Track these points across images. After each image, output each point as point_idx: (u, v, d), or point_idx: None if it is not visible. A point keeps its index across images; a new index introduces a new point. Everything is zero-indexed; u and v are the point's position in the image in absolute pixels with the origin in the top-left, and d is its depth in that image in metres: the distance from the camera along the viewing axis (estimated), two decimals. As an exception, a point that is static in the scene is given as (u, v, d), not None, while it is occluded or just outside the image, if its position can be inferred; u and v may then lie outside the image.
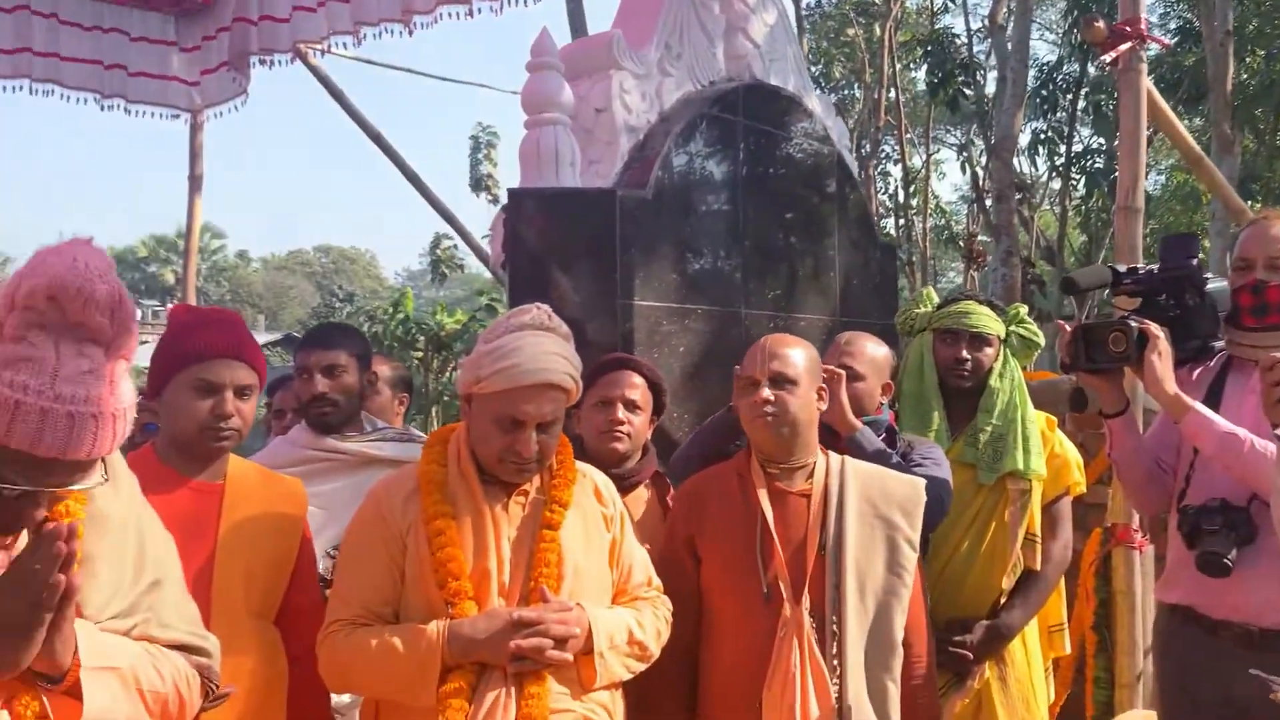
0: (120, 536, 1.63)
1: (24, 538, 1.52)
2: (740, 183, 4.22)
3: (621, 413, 2.77)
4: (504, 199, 3.67)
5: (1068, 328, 2.65)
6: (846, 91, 21.88)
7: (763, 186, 4.31)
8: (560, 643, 2.11)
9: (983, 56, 18.60)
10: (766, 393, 2.49)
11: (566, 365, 2.21)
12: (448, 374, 11.41)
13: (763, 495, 2.52)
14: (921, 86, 19.15)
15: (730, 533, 2.53)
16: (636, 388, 2.82)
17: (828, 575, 2.46)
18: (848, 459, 2.62)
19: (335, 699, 2.50)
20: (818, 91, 5.08)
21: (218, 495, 2.30)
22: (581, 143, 3.79)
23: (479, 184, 25.16)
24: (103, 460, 1.46)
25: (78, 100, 5.82)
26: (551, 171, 3.60)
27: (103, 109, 5.87)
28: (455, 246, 23.85)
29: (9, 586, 1.39)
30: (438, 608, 2.14)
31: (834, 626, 2.42)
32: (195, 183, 6.25)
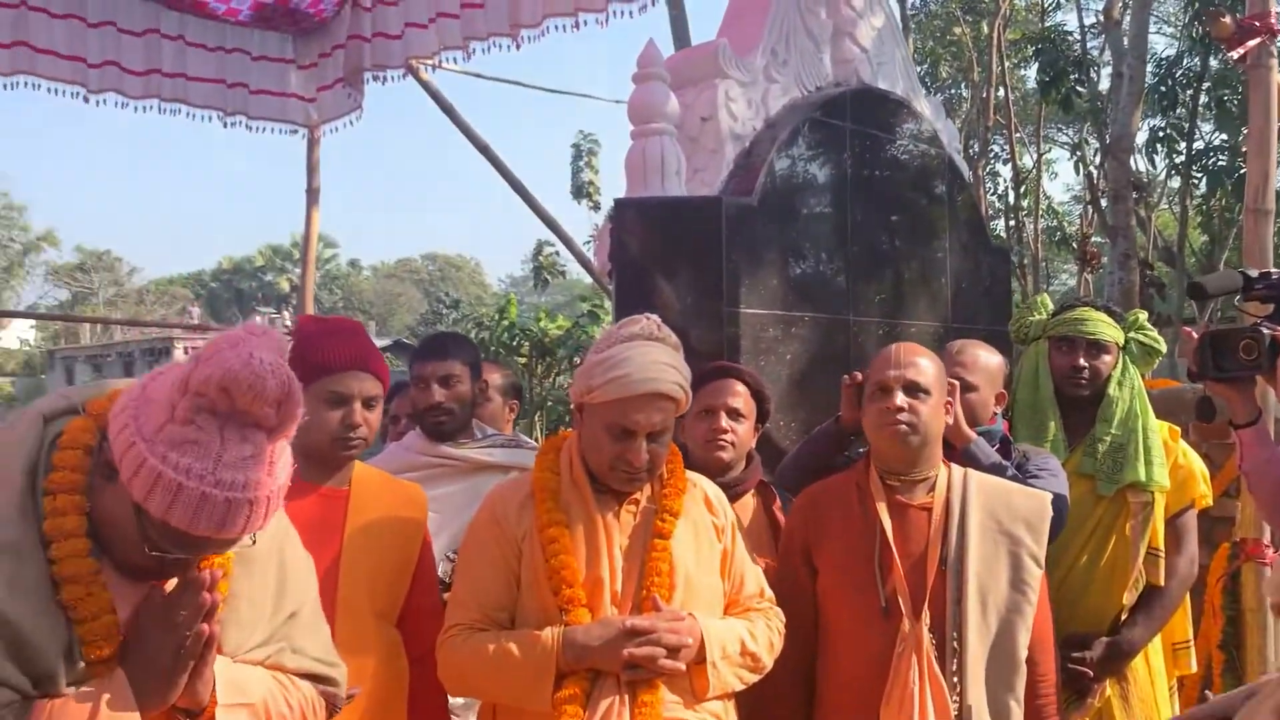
0: (263, 573, 1.70)
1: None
2: (847, 188, 4.18)
3: (725, 421, 2.76)
4: (605, 206, 3.70)
5: (1194, 334, 2.55)
6: (953, 91, 21.44)
7: (871, 191, 4.27)
8: (673, 652, 2.12)
9: (1096, 52, 18.02)
10: (901, 400, 2.45)
11: (676, 375, 2.22)
12: (551, 379, 11.55)
13: (882, 509, 2.47)
14: (1032, 85, 18.64)
15: (848, 545, 2.49)
16: (739, 395, 2.81)
17: (949, 591, 2.40)
18: (970, 472, 2.55)
19: (451, 700, 2.56)
20: (925, 93, 5.00)
21: (343, 500, 2.37)
22: (687, 151, 3.81)
23: (580, 191, 25.41)
24: None
25: (203, 118, 6.07)
26: (657, 180, 3.63)
27: (225, 126, 6.10)
28: (557, 253, 24.13)
29: (156, 632, 1.47)
30: (552, 614, 2.17)
31: (954, 643, 2.37)
32: (313, 195, 6.44)
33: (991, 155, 20.12)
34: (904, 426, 2.43)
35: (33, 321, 45.76)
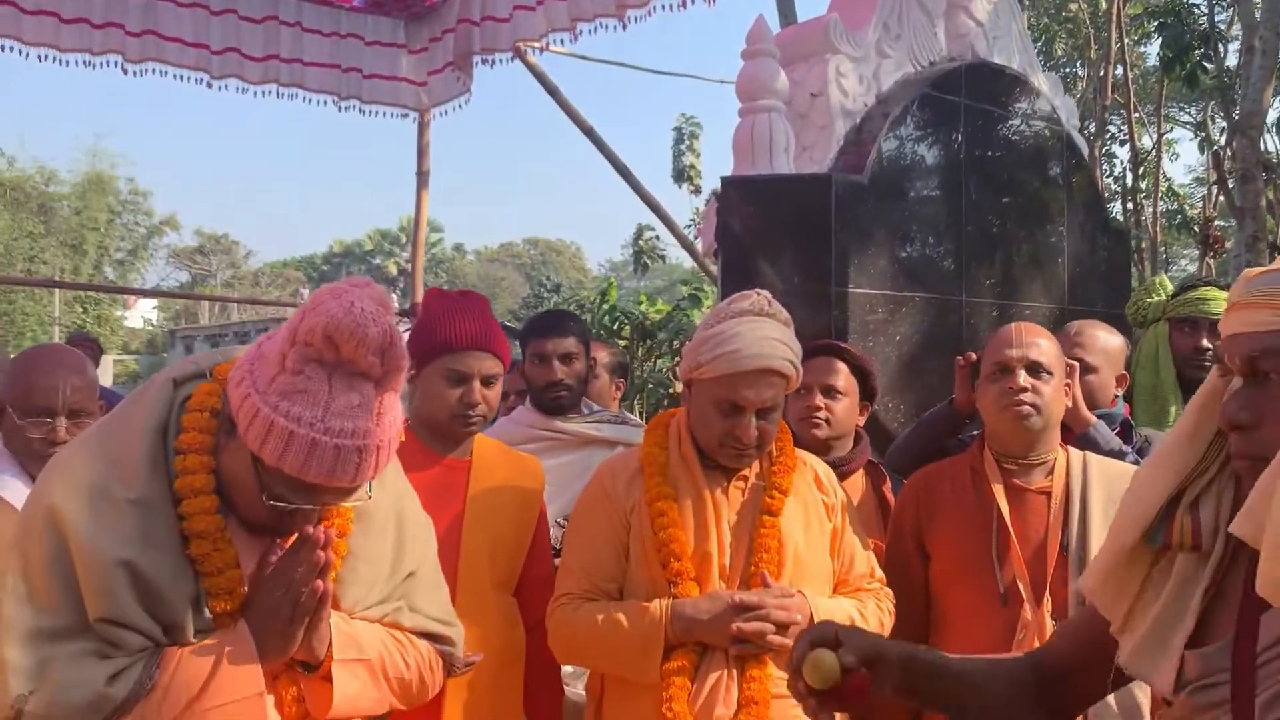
0: (382, 533, 1.74)
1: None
2: (961, 166, 4.08)
3: (819, 399, 2.74)
4: (706, 190, 3.69)
5: None
6: (1068, 70, 20.72)
7: (985, 169, 4.15)
8: (781, 628, 2.12)
9: (1224, 26, 17.19)
10: (1024, 380, 2.39)
11: (786, 351, 2.20)
12: (652, 362, 11.59)
13: (999, 491, 2.42)
14: (1153, 61, 17.90)
15: (963, 530, 2.44)
16: (838, 373, 2.78)
17: (1070, 577, 2.34)
18: (1089, 455, 2.48)
19: (561, 669, 2.59)
20: (1044, 69, 4.84)
21: (465, 471, 2.43)
22: (795, 128, 3.76)
23: (681, 175, 25.32)
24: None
25: (318, 102, 6.24)
26: (765, 158, 3.59)
27: (340, 110, 6.27)
28: (657, 237, 24.10)
29: (274, 588, 1.52)
30: (660, 587, 2.18)
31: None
32: (422, 179, 6.57)
33: (1108, 136, 19.40)
34: (1027, 408, 2.37)
35: (156, 302, 47.78)
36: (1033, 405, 2.37)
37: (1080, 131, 4.89)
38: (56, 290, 35.81)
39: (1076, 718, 1.58)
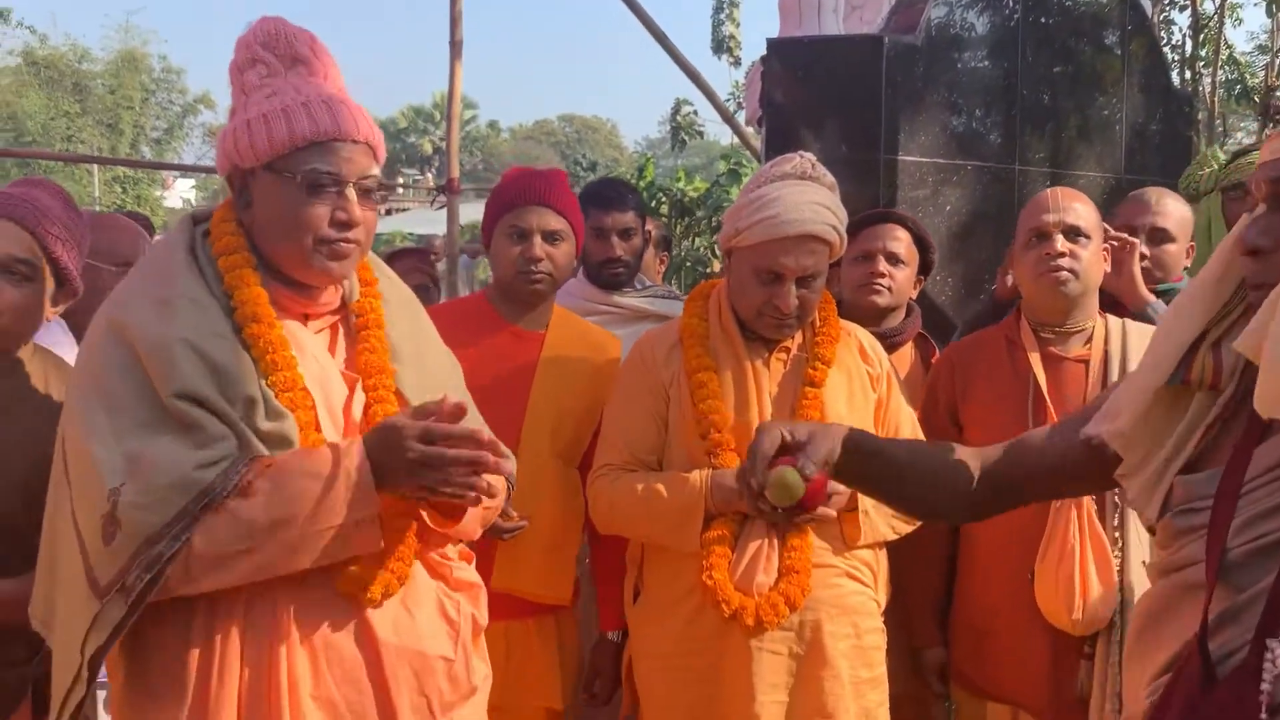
0: (413, 334, 1.76)
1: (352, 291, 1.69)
2: (1017, 28, 3.89)
3: (883, 265, 2.67)
4: (746, 62, 3.55)
5: None
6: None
7: (1042, 32, 3.96)
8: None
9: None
10: (1061, 244, 2.31)
11: (829, 216, 2.13)
12: (691, 240, 11.46)
13: (1035, 359, 2.37)
14: (1219, -81, 16.92)
15: (998, 399, 2.40)
16: (900, 241, 2.70)
17: None
18: (1129, 322, 2.42)
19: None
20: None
21: (538, 342, 2.42)
22: (845, -12, 3.60)
23: (720, 46, 24.57)
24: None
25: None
26: (813, 19, 3.45)
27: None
28: (695, 112, 23.59)
29: (427, 461, 1.47)
30: (699, 458, 2.17)
31: (1116, 498, 2.27)
32: (455, 49, 6.38)
33: (1167, 2, 18.54)
34: (1065, 273, 2.31)
35: (194, 181, 47.89)
36: (1070, 270, 2.31)
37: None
38: (96, 170, 35.94)
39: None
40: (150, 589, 1.42)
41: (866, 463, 1.52)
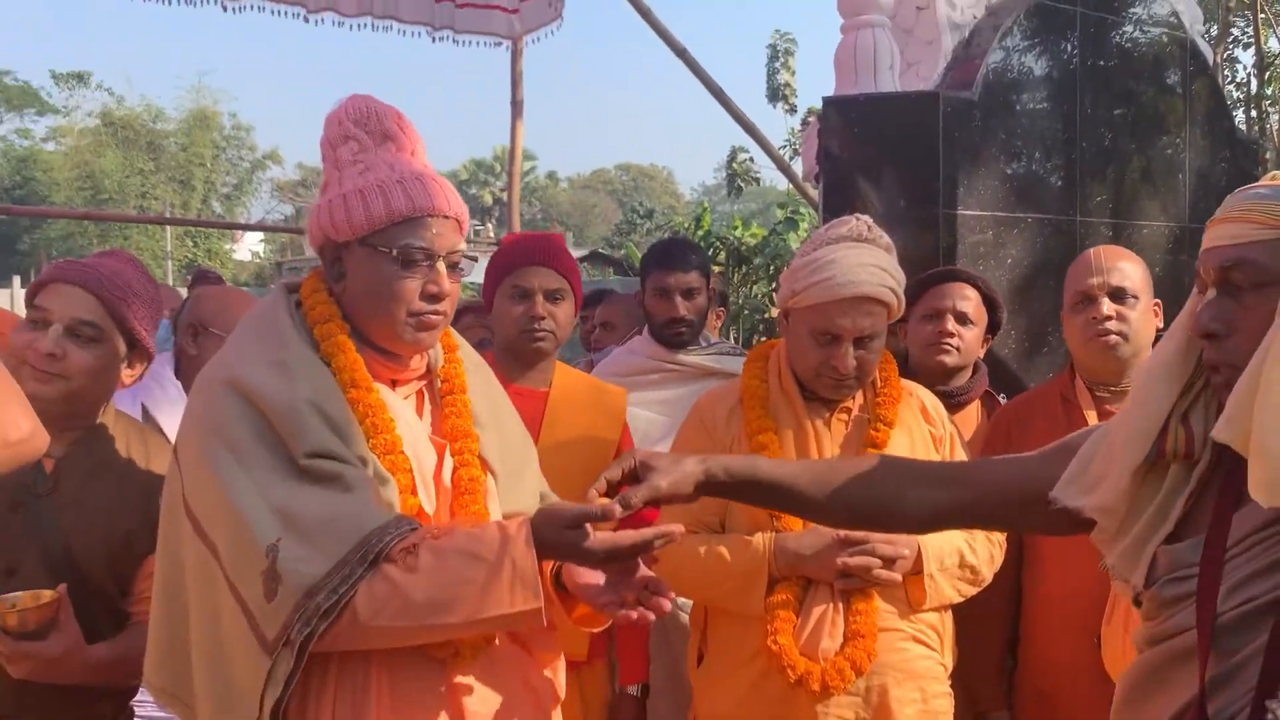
0: (489, 397, 1.80)
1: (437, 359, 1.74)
2: (1075, 78, 3.87)
3: (951, 324, 2.66)
4: (802, 109, 3.57)
5: None
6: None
7: (1101, 81, 3.94)
8: (888, 562, 2.09)
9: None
10: (1107, 307, 2.29)
11: (886, 278, 2.13)
12: (748, 288, 11.49)
13: (1091, 418, 2.35)
14: (1283, -44, 16.69)
15: None
16: (969, 300, 2.69)
17: None
18: None
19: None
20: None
21: (542, 400, 2.45)
22: (900, 44, 3.62)
23: (776, 94, 24.74)
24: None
25: (412, 34, 6.23)
26: (869, 76, 3.47)
27: (434, 41, 6.25)
28: (751, 159, 23.71)
29: (598, 554, 1.51)
30: (762, 521, 2.17)
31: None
32: (517, 108, 6.54)
33: (1230, 40, 18.28)
34: (1114, 337, 2.28)
35: (262, 235, 49.10)
36: (1119, 333, 2.28)
37: (1202, 36, 4.59)
38: (168, 225, 37.03)
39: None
40: (310, 640, 1.43)
41: (752, 491, 1.61)
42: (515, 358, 2.46)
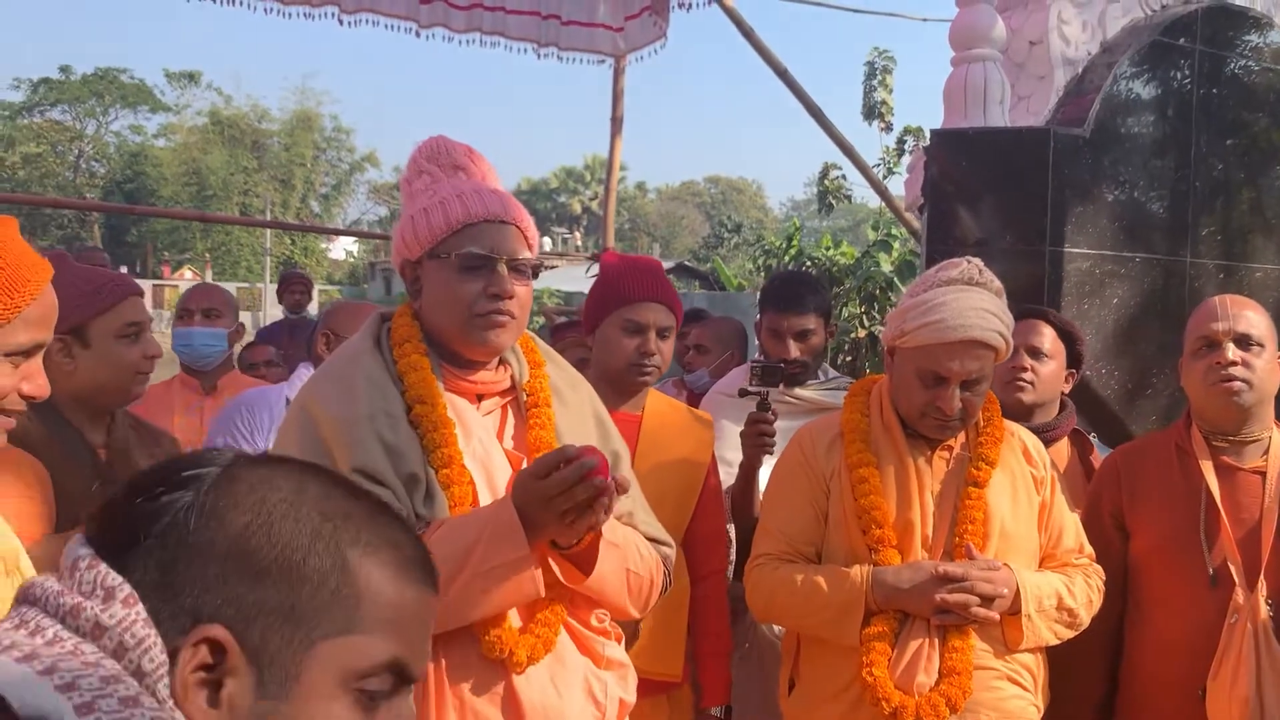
0: (580, 415, 1.86)
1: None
2: (1191, 118, 3.81)
3: (1026, 360, 2.66)
4: (898, 127, 3.58)
5: None
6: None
7: (1219, 120, 3.87)
8: (986, 601, 2.10)
9: None
10: (1233, 354, 2.27)
11: (996, 322, 2.14)
12: (839, 309, 11.42)
13: (1208, 469, 2.32)
14: None
15: (1169, 508, 2.35)
16: (1044, 335, 2.70)
17: None
18: None
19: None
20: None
21: (636, 425, 2.49)
22: (1011, 78, 3.61)
23: (872, 112, 24.46)
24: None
25: (518, 50, 6.36)
26: (979, 110, 3.46)
27: (539, 57, 6.37)
28: (844, 176, 23.52)
29: (552, 490, 1.54)
30: (860, 553, 2.19)
31: (1295, 615, 2.19)
32: (616, 125, 6.62)
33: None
34: (1238, 383, 2.25)
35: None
36: (1244, 380, 2.25)
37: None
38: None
39: None
40: None
41: None
42: (617, 387, 2.49)
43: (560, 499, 1.54)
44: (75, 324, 2.06)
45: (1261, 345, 2.29)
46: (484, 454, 1.72)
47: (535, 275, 1.80)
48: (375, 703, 0.81)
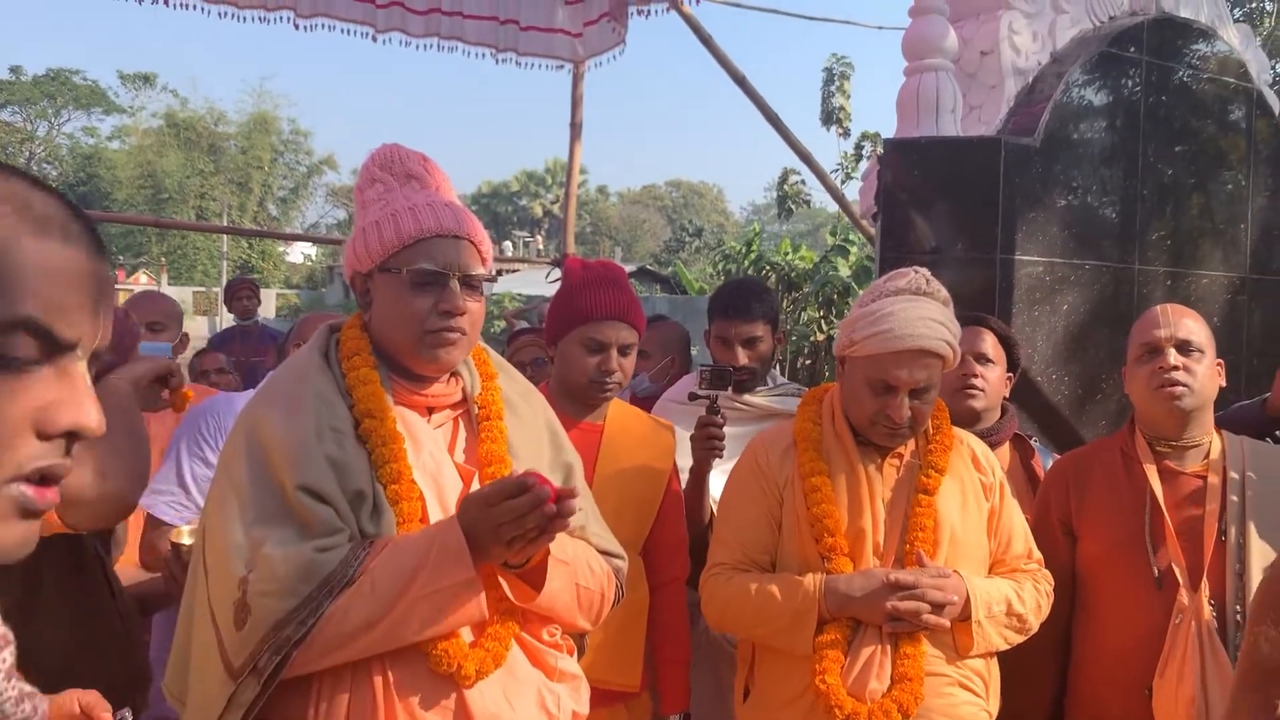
0: (534, 429, 1.84)
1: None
2: (1139, 128, 3.87)
3: (975, 367, 2.69)
4: (855, 133, 3.60)
5: None
6: (1255, 3, 19.27)
7: (1165, 130, 3.94)
8: (937, 608, 2.11)
9: None
10: (1174, 359, 2.32)
11: (943, 331, 2.16)
12: (797, 315, 11.49)
13: (1151, 473, 2.37)
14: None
15: (1115, 513, 2.40)
16: (986, 341, 2.75)
17: (1229, 563, 2.28)
18: (1244, 439, 2.40)
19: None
20: (1236, 18, 4.53)
21: (598, 435, 2.49)
22: (963, 88, 3.64)
23: (830, 117, 24.66)
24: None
25: (476, 55, 6.33)
26: (931, 119, 3.49)
27: (497, 62, 6.34)
28: (803, 182, 23.69)
29: (502, 516, 1.52)
30: (812, 561, 2.20)
31: (1238, 618, 2.24)
32: (575, 130, 6.62)
33: (1297, 79, 18.00)
34: (1181, 388, 2.30)
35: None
36: (1186, 385, 2.31)
37: (1270, 69, 4.56)
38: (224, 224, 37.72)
39: None
40: (280, 670, 1.51)
41: None
42: (577, 400, 2.50)
43: (509, 526, 1.53)
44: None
45: (1201, 351, 2.35)
46: (435, 468, 1.70)
47: (491, 288, 1.79)
48: (14, 368, 0.76)
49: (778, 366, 3.39)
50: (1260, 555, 2.26)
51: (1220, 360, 2.43)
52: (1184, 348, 2.34)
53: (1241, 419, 2.76)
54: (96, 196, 44.08)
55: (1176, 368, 2.32)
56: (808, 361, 11.23)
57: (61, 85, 47.42)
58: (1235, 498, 2.31)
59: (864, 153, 17.69)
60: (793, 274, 11.55)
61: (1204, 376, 2.34)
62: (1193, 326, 2.37)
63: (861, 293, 2.37)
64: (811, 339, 11.49)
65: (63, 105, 48.03)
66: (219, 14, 5.57)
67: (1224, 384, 2.43)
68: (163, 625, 2.79)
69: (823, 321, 11.22)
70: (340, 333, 1.79)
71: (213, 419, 2.80)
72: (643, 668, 2.46)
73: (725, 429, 2.71)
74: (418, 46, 6.16)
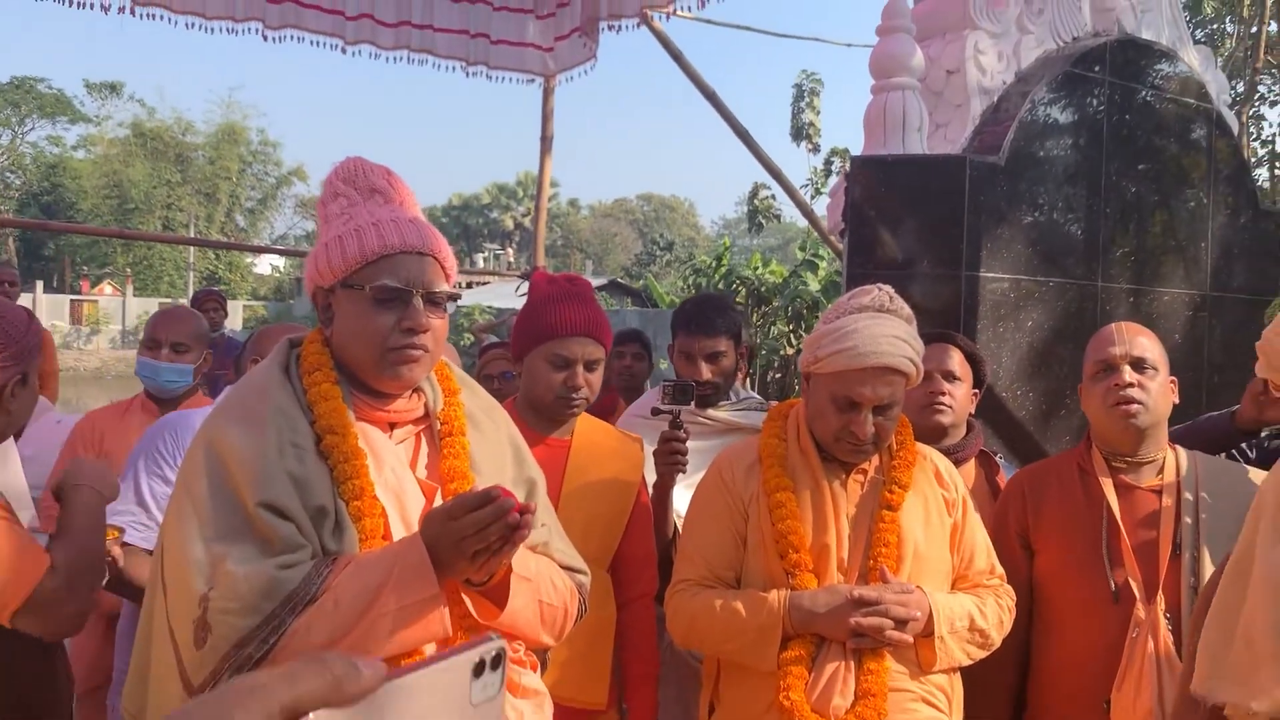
0: (497, 444, 1.83)
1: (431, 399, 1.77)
2: (1103, 146, 3.93)
3: (943, 384, 2.72)
4: (825, 148, 3.62)
5: None
6: (1216, 26, 19.61)
7: (1128, 149, 3.99)
8: (900, 624, 2.12)
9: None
10: (1129, 376, 2.35)
11: (907, 349, 2.18)
12: (766, 329, 11.53)
13: (1108, 487, 2.39)
14: (1310, 19, 16.76)
15: (1072, 528, 2.42)
16: (953, 358, 2.77)
17: (1184, 576, 2.31)
18: (1198, 455, 2.44)
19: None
20: (1194, 41, 4.60)
21: (565, 450, 2.49)
22: (929, 106, 3.68)
23: (800, 133, 24.86)
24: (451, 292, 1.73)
25: (447, 68, 6.33)
26: (898, 137, 3.53)
27: (467, 75, 6.35)
28: (773, 196, 23.85)
29: (465, 530, 1.51)
30: (777, 577, 2.20)
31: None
32: (546, 144, 6.62)
33: (1257, 98, 18.34)
34: (1135, 405, 2.33)
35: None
36: (1140, 402, 2.34)
37: (1227, 104, 4.64)
38: (191, 235, 37.38)
39: None
40: None
41: None
42: (544, 416, 2.49)
43: (473, 539, 1.51)
44: (27, 367, 2.03)
45: (1155, 369, 2.38)
46: (397, 484, 1.69)
47: (455, 305, 1.78)
48: None
49: (746, 381, 3.39)
50: (1214, 569, 2.29)
51: (1174, 378, 2.47)
52: (1138, 365, 2.37)
53: (1210, 430, 2.79)
54: (61, 206, 43.56)
55: (1131, 385, 2.35)
56: (778, 375, 11.28)
57: (26, 93, 46.88)
58: (1189, 519, 2.34)
59: (833, 168, 17.84)
60: (763, 288, 11.60)
61: (1158, 394, 2.37)
62: (1147, 344, 2.40)
63: (826, 309, 2.39)
64: (781, 353, 11.54)
65: (27, 114, 47.48)
66: (187, 24, 5.54)
67: (1178, 401, 2.46)
68: (124, 646, 2.75)
69: (792, 335, 11.28)
70: (301, 347, 1.77)
71: (170, 436, 2.76)
72: (609, 685, 2.45)
73: (688, 444, 2.71)
74: (388, 59, 6.16)
